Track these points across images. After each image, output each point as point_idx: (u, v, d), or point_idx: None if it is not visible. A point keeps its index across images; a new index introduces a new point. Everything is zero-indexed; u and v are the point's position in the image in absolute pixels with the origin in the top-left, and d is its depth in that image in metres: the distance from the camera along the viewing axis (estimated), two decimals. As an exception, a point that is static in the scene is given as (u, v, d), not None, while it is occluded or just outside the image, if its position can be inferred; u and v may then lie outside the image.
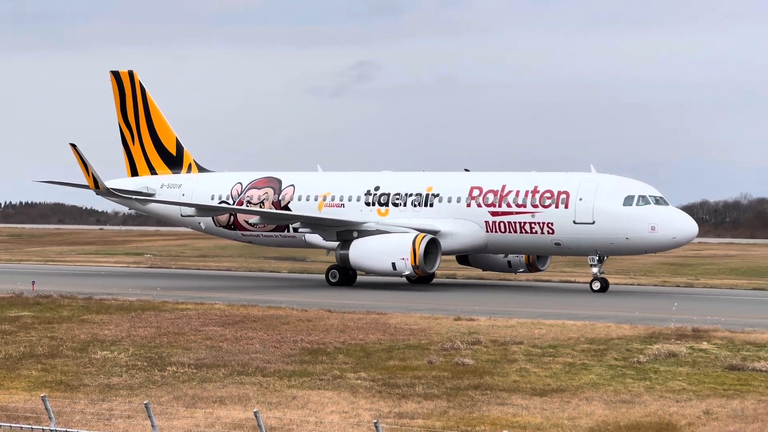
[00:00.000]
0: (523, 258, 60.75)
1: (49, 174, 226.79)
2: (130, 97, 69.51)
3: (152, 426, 18.98)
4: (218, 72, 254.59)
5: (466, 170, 64.10)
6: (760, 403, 25.12)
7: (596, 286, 55.44)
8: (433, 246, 56.22)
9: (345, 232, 58.93)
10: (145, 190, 67.88)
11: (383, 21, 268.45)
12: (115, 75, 69.77)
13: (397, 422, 22.76)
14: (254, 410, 18.12)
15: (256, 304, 44.32)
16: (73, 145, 61.95)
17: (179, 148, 69.69)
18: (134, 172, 69.85)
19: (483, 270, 64.31)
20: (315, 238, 60.93)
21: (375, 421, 17.56)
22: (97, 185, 62.51)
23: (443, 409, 24.21)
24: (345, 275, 59.24)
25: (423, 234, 56.10)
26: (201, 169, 69.60)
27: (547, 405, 24.76)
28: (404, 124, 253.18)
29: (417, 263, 55.17)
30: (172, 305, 43.57)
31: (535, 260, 60.70)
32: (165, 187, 68.11)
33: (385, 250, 56.27)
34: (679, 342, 33.46)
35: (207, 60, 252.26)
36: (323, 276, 61.15)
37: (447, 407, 24.46)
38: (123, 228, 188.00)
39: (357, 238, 57.94)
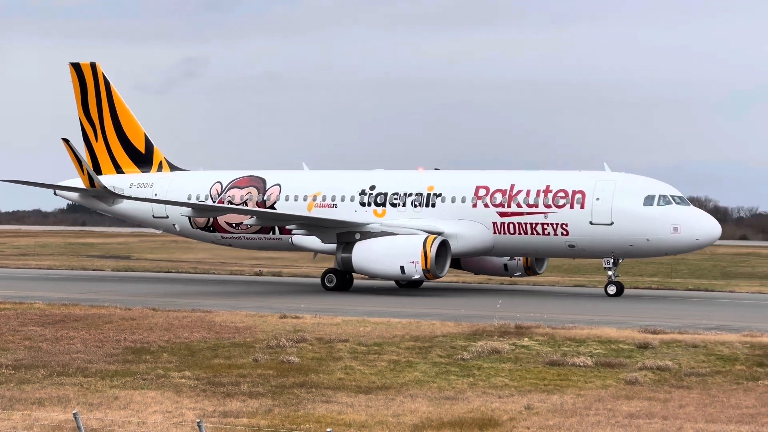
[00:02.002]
0: (521, 261, 58.36)
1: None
2: (92, 90, 65.45)
3: (-34, 429, 18.38)
4: (38, 66, 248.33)
5: (437, 169, 61.27)
6: (579, 398, 25.69)
7: (612, 290, 53.74)
8: (443, 249, 53.28)
9: (346, 234, 55.42)
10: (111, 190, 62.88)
11: (211, 17, 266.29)
12: (76, 67, 65.72)
13: (222, 421, 22.55)
14: (74, 411, 17.71)
15: (77, 303, 43.46)
16: (66, 140, 59.24)
17: (148, 145, 65.70)
18: (97, 171, 64.77)
19: (475, 274, 62.00)
20: (305, 240, 57.14)
21: (198, 420, 17.36)
22: (92, 183, 59.84)
23: (268, 408, 24.09)
24: (342, 279, 56.07)
25: (433, 236, 53.24)
26: (173, 168, 65.62)
27: (371, 402, 24.86)
28: (232, 121, 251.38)
29: (428, 267, 52.26)
30: (-10, 305, 42.41)
31: (533, 263, 58.42)
32: (134, 186, 63.81)
33: (392, 252, 53.14)
34: (502, 339, 34.00)
35: (25, 54, 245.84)
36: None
37: (272, 405, 24.35)
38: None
39: (359, 240, 54.71)
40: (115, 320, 38.05)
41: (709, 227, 53.01)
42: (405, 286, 58.64)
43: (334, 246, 56.00)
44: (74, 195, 64.93)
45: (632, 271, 78.66)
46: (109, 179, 64.05)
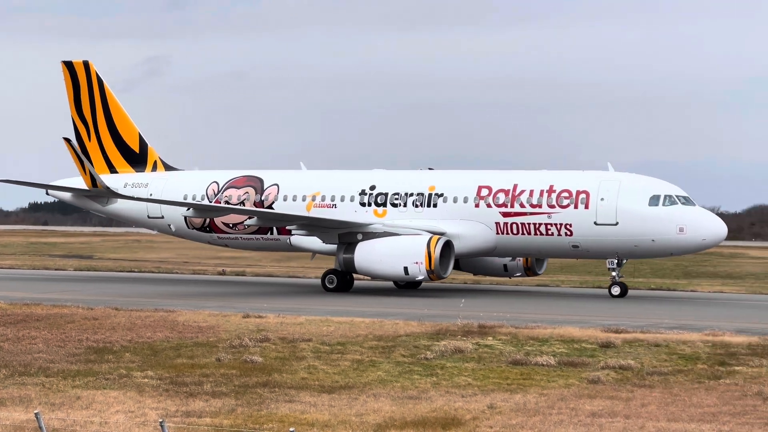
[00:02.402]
0: (521, 261, 57.69)
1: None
2: (85, 89, 64.24)
3: (-74, 429, 18.25)
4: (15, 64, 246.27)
5: (430, 168, 60.74)
6: (542, 397, 25.79)
7: (615, 291, 52.98)
8: (446, 249, 52.53)
9: (347, 235, 54.62)
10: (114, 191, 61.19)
11: (174, 16, 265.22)
12: (68, 65, 64.55)
13: (184, 421, 22.49)
14: (35, 411, 17.62)
15: (39, 303, 43.20)
16: (67, 140, 58.26)
17: (143, 144, 64.51)
18: None
19: (474, 274, 61.10)
20: (305, 241, 56.30)
21: (161, 420, 17.31)
22: (95, 184, 58.96)
23: (231, 407, 24.05)
24: (343, 280, 55.23)
25: (437, 236, 52.58)
26: (168, 168, 64.48)
27: (335, 402, 24.86)
28: (196, 120, 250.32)
29: (432, 267, 51.49)
30: (-49, 304, 42.11)
31: (533, 264, 57.69)
32: (129, 186, 62.58)
33: (396, 253, 52.39)
34: (465, 338, 34.07)
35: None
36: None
37: (235, 405, 24.31)
38: None
39: (362, 240, 53.88)
40: (78, 320, 37.87)
41: (715, 227, 52.66)
42: (404, 287, 58.23)
43: (334, 247, 55.39)
44: (66, 195, 64.23)
45: (595, 270, 78.83)
46: (103, 179, 62.48)
